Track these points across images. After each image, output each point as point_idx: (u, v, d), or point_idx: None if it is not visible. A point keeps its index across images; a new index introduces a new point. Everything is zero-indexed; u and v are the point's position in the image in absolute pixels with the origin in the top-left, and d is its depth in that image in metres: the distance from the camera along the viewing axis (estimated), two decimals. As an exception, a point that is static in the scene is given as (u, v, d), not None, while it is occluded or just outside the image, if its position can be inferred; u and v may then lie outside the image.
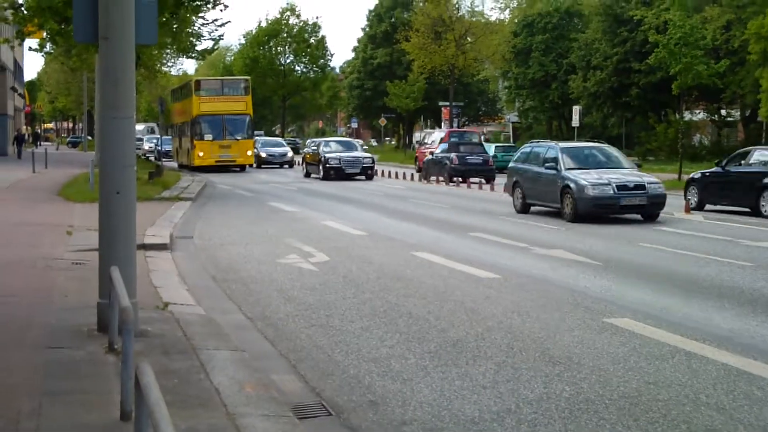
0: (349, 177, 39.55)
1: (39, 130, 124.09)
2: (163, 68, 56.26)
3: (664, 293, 11.39)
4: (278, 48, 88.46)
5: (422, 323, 9.59)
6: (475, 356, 8.23)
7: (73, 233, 16.04)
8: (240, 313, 10.26)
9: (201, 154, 46.27)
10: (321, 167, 40.20)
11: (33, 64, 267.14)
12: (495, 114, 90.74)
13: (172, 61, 60.96)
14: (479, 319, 9.74)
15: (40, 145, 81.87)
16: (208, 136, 46.36)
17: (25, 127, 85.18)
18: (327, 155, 40.42)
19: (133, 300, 7.96)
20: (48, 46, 35.35)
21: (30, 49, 45.17)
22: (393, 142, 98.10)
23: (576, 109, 56.11)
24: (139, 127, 65.96)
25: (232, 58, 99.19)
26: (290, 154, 55.46)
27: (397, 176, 42.97)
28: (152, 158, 56.12)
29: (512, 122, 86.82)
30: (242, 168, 47.70)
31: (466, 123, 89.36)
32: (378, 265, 13.82)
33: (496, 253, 15.28)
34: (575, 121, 55.71)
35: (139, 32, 8.30)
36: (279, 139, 63.75)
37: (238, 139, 46.72)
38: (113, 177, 8.28)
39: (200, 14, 35.57)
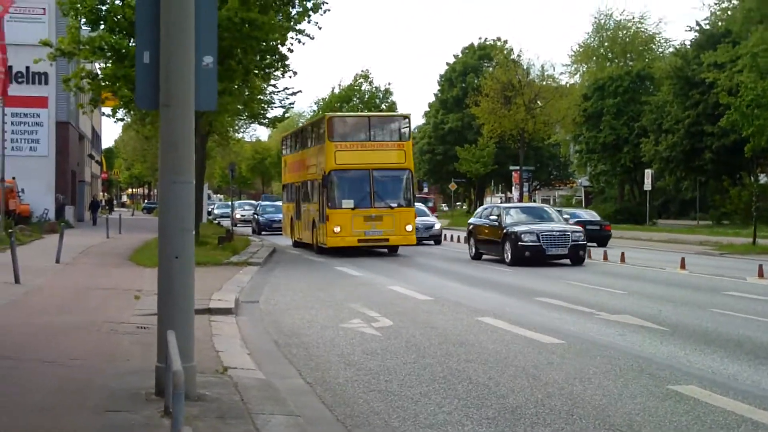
0: (551, 261, 27.17)
1: (116, 196, 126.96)
2: (236, 134, 57.23)
3: (733, 360, 11.10)
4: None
5: (482, 389, 9.47)
6: (534, 423, 8.09)
7: (141, 297, 16.24)
8: (299, 378, 10.24)
9: (337, 229, 31.06)
10: (508, 246, 27.31)
11: (111, 132, 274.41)
12: (566, 178, 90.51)
13: (245, 127, 61.89)
14: (540, 385, 9.59)
15: (114, 211, 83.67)
16: (348, 203, 31.35)
17: (102, 193, 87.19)
18: (515, 228, 27.32)
19: (190, 364, 8.00)
20: (121, 113, 36.49)
21: (103, 114, 46.20)
22: (464, 207, 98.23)
23: (648, 173, 55.70)
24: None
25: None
26: (438, 226, 41.93)
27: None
28: (248, 229, 51.08)
29: (584, 186, 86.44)
30: (393, 249, 33.28)
31: (538, 187, 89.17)
32: (441, 330, 13.72)
33: (561, 318, 15.08)
34: (647, 185, 55.28)
35: (199, 99, 8.45)
36: (422, 207, 43.97)
37: (392, 207, 31.48)
38: (172, 241, 8.37)
39: (271, 82, 36.44)
